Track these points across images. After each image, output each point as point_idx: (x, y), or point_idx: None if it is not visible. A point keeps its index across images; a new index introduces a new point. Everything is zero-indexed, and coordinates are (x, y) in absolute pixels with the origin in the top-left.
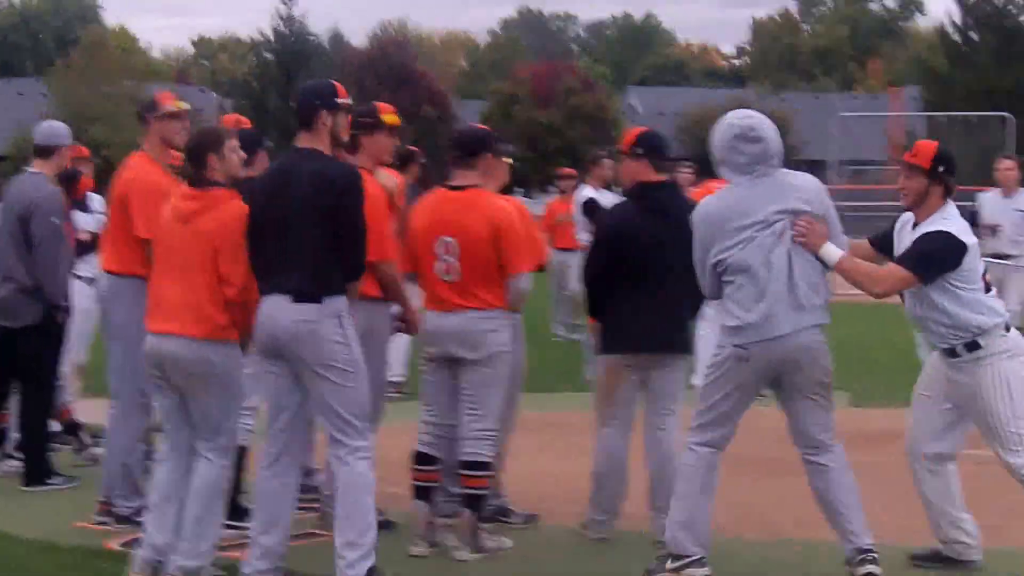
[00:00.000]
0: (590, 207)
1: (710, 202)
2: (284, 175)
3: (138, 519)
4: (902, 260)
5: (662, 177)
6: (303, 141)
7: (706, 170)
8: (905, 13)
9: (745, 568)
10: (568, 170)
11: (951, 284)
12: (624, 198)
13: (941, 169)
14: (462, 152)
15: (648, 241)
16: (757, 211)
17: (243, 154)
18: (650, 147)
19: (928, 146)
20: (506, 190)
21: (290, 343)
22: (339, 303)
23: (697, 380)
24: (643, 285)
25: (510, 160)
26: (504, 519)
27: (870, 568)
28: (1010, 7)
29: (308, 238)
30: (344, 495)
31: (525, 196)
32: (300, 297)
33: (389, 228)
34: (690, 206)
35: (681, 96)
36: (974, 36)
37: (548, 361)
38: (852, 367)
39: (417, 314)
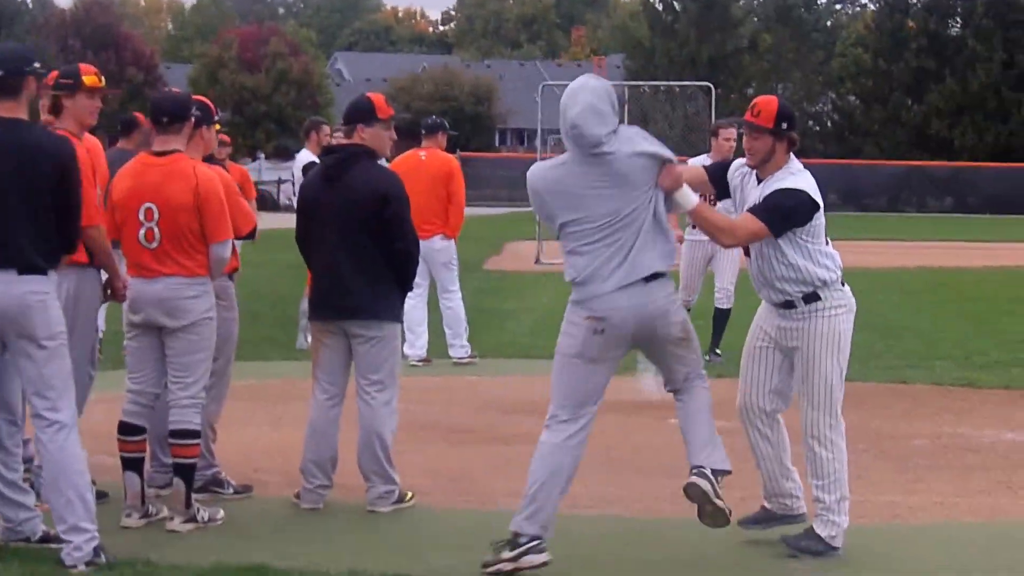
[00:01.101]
0: (308, 171)
1: None
2: None
3: None
4: (755, 212)
5: (344, 142)
6: (5, 110)
7: (410, 137)
8: None
9: (462, 538)
10: (223, 137)
11: (800, 238)
12: None
13: (784, 126)
14: (163, 118)
15: (317, 205)
16: None
17: None
18: (345, 113)
19: (769, 104)
20: (212, 157)
21: (18, 317)
22: (55, 274)
23: (407, 350)
24: (322, 250)
25: (218, 126)
26: (217, 490)
27: (694, 479)
28: None
29: (29, 210)
30: (59, 477)
31: (231, 162)
32: (27, 269)
33: (94, 194)
34: (368, 172)
35: (388, 62)
36: (676, 6)
37: (263, 329)
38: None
39: (123, 281)
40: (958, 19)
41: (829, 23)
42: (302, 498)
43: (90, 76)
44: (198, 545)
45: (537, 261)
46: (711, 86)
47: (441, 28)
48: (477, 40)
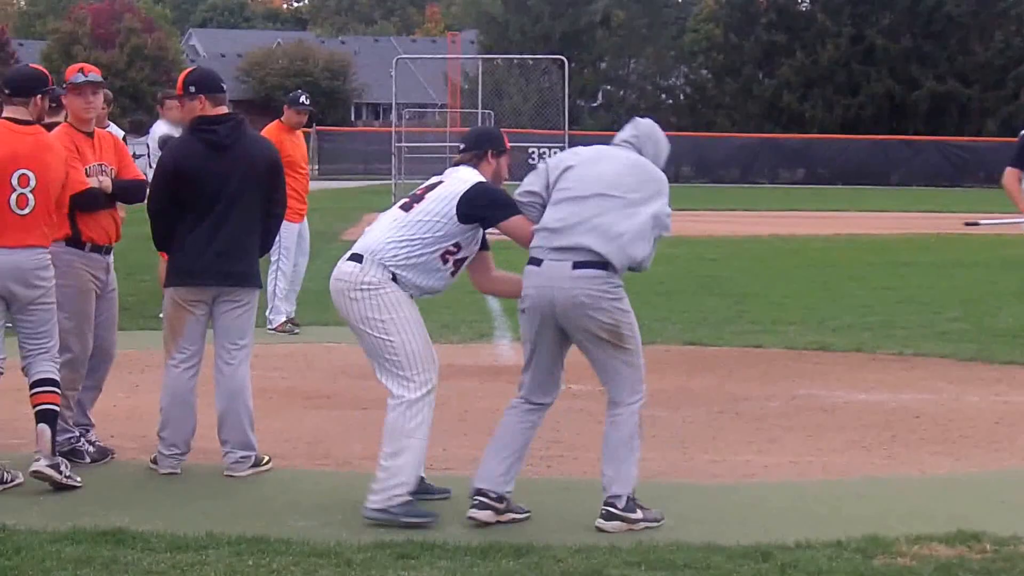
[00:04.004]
0: (166, 143)
1: None
2: None
3: None
4: None
5: (223, 111)
6: None
7: (268, 112)
8: None
9: (319, 501)
10: None
11: None
12: None
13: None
14: (12, 92)
15: (207, 174)
16: None
17: None
18: (201, 84)
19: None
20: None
21: None
22: None
23: (269, 314)
24: (206, 218)
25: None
26: (76, 458)
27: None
28: None
29: None
30: None
31: None
32: None
33: None
34: (256, 140)
35: (242, 38)
36: None
37: (122, 297)
38: None
39: None
40: None
41: None
42: (159, 463)
43: None
44: (55, 510)
45: None
46: (564, 60)
47: (295, 5)
48: (331, 17)
